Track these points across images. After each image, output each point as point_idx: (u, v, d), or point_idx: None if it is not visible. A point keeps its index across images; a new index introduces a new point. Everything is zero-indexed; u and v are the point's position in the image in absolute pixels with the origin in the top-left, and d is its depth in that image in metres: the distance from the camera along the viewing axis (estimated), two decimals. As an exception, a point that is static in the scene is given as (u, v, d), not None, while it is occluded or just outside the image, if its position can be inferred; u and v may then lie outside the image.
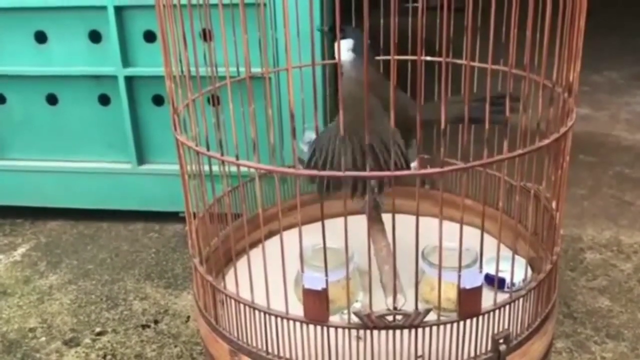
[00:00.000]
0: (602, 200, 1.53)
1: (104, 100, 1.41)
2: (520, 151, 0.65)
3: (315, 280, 0.66)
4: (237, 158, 0.68)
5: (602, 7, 3.13)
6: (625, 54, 2.72)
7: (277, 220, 0.87)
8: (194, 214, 0.83)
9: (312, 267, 0.71)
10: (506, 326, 0.71)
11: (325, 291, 0.66)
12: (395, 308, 0.67)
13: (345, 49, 0.87)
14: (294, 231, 0.68)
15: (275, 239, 0.68)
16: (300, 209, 0.68)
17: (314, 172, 0.64)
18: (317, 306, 0.67)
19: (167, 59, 0.76)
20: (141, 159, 1.43)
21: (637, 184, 1.61)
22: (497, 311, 0.69)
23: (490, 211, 0.88)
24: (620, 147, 1.85)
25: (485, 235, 0.68)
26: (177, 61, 0.74)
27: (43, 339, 1.11)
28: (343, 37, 0.87)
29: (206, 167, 0.75)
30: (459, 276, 0.66)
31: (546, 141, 0.68)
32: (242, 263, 0.73)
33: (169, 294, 1.22)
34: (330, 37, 0.97)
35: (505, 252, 0.74)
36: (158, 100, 1.38)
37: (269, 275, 0.69)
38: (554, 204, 0.80)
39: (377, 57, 0.95)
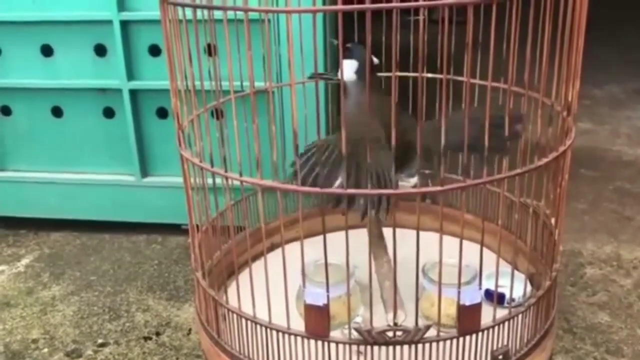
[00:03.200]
0: (602, 215, 1.54)
1: (109, 113, 1.42)
2: (519, 170, 0.66)
3: (316, 296, 0.67)
4: (241, 174, 0.69)
5: (603, 22, 3.14)
6: (626, 69, 2.73)
7: (279, 233, 0.88)
8: (197, 227, 0.84)
9: (314, 283, 0.72)
10: (505, 342, 0.71)
11: (326, 307, 0.67)
12: (395, 324, 0.68)
13: (349, 70, 0.87)
14: (296, 244, 0.69)
15: (277, 252, 0.69)
16: (302, 223, 0.69)
17: (316, 189, 0.65)
18: (318, 321, 0.68)
19: (172, 75, 0.77)
20: (144, 172, 1.44)
21: (638, 199, 1.61)
22: (496, 327, 0.70)
23: (490, 227, 0.89)
24: (621, 161, 1.85)
25: (486, 251, 0.69)
26: (182, 76, 0.75)
27: (45, 350, 1.12)
28: (348, 57, 0.87)
29: (209, 181, 0.76)
30: (459, 293, 0.67)
31: (545, 160, 0.69)
32: (244, 277, 0.74)
33: (171, 306, 1.23)
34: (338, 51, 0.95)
35: (506, 267, 0.75)
36: (162, 113, 1.40)
37: (271, 289, 0.70)
38: (553, 221, 0.81)
39: (379, 74, 0.96)
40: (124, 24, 1.31)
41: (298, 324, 0.70)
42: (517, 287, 0.75)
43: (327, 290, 0.66)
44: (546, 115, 0.77)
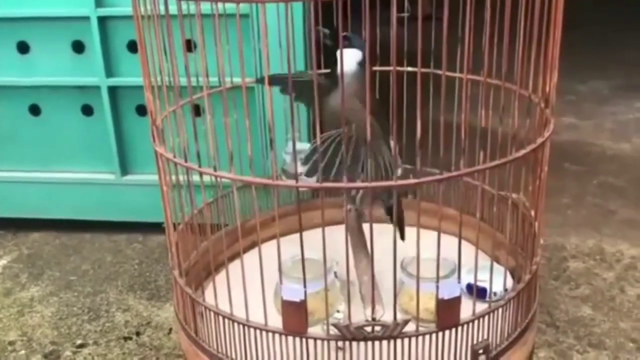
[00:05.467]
0: (586, 209, 1.54)
1: (87, 110, 1.40)
2: (497, 162, 0.65)
3: (293, 292, 0.66)
4: (215, 169, 0.68)
5: (589, 20, 3.16)
6: (611, 65, 2.74)
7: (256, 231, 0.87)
8: (174, 225, 0.83)
9: (291, 279, 0.71)
10: (485, 336, 0.70)
11: (303, 302, 0.66)
12: (374, 319, 0.67)
13: (352, 60, 0.82)
14: (275, 242, 0.67)
15: (256, 251, 0.68)
16: (279, 220, 0.68)
17: (311, 184, 0.64)
18: (296, 318, 0.67)
19: (145, 70, 0.75)
20: (124, 170, 1.42)
21: (621, 193, 1.62)
22: (476, 321, 0.69)
23: (470, 220, 0.88)
24: (605, 156, 1.86)
25: (467, 245, 0.69)
26: (157, 72, 0.74)
27: (22, 352, 1.10)
28: (349, 46, 0.84)
29: (187, 178, 0.75)
30: (437, 286, 0.66)
31: (523, 152, 0.68)
32: (222, 275, 0.73)
33: (151, 305, 1.21)
34: (329, 43, 0.87)
35: (487, 261, 0.74)
36: (141, 110, 1.38)
37: (249, 287, 0.68)
38: (533, 213, 0.80)
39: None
40: (102, 20, 1.29)
41: (276, 321, 0.69)
42: (497, 281, 0.75)
43: (305, 286, 0.65)
44: (524, 108, 0.76)
